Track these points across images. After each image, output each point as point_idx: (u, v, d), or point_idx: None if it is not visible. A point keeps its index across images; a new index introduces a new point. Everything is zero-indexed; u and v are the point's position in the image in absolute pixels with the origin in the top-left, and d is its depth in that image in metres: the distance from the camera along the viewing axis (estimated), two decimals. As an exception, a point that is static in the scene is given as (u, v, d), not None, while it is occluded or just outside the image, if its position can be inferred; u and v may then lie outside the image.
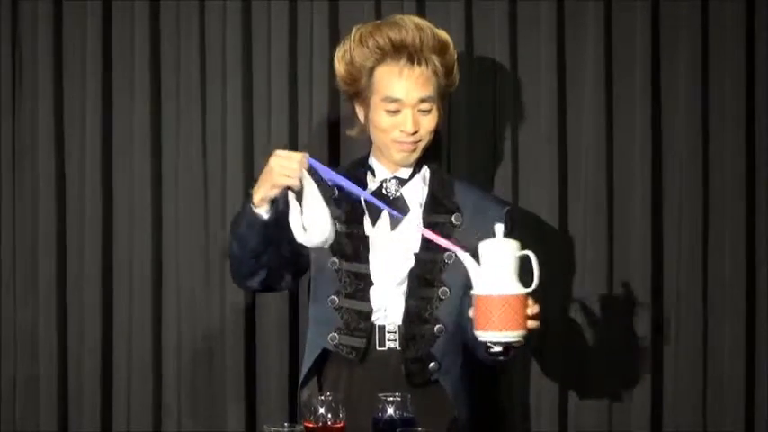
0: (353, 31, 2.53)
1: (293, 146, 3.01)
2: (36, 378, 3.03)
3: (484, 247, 2.21)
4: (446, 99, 2.58)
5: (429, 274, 2.51)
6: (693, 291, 3.01)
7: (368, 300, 2.50)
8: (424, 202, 2.54)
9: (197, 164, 3.03)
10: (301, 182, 2.30)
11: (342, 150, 2.98)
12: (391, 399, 2.18)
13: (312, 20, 3.00)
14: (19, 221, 3.06)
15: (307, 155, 2.32)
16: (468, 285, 2.33)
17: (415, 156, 2.53)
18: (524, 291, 2.20)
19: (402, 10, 2.92)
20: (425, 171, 2.58)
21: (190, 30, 3.03)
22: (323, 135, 3.00)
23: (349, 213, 2.53)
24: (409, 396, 2.21)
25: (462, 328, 2.48)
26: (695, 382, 3.01)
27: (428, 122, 2.51)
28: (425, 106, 2.49)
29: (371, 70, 2.50)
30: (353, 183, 2.41)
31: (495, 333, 2.18)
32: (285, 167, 2.31)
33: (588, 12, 2.99)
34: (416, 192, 2.55)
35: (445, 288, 2.50)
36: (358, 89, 2.53)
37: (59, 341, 3.04)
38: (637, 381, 3.00)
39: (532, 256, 2.20)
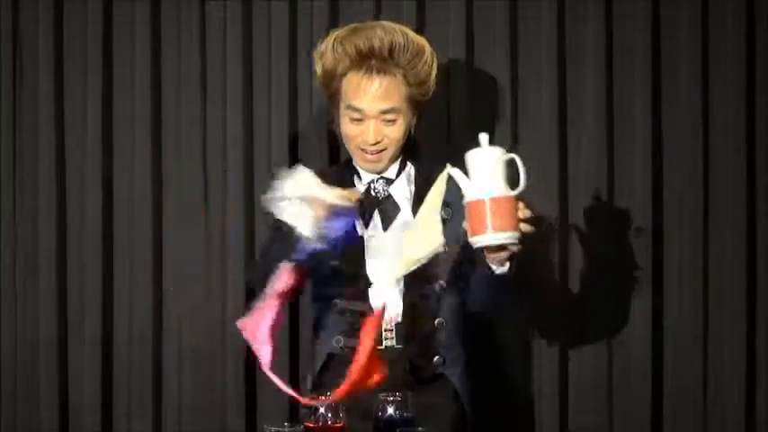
0: (330, 35, 2.53)
1: (293, 145, 3.01)
2: (36, 378, 3.04)
3: (470, 155, 2.22)
4: (421, 105, 2.56)
5: (424, 269, 2.51)
6: (693, 290, 3.01)
7: (368, 300, 2.50)
8: (412, 199, 2.55)
9: (197, 163, 3.03)
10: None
11: (342, 149, 2.97)
12: (391, 399, 2.18)
13: (312, 20, 3.01)
14: (19, 221, 3.06)
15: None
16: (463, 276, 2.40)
17: (382, 165, 2.54)
18: (513, 192, 2.20)
19: (402, 10, 2.93)
20: (410, 169, 2.59)
21: (190, 30, 3.03)
22: (323, 134, 3.00)
23: None
24: (410, 394, 2.21)
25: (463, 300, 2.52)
26: (695, 382, 3.01)
27: (393, 132, 2.51)
28: (390, 117, 2.49)
29: (342, 76, 2.51)
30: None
31: (490, 235, 2.18)
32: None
33: (588, 12, 2.99)
34: (403, 190, 2.56)
35: (441, 282, 2.51)
36: (331, 91, 2.55)
37: (59, 341, 3.04)
38: (637, 380, 3.00)
39: (517, 158, 2.21)
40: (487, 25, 3.00)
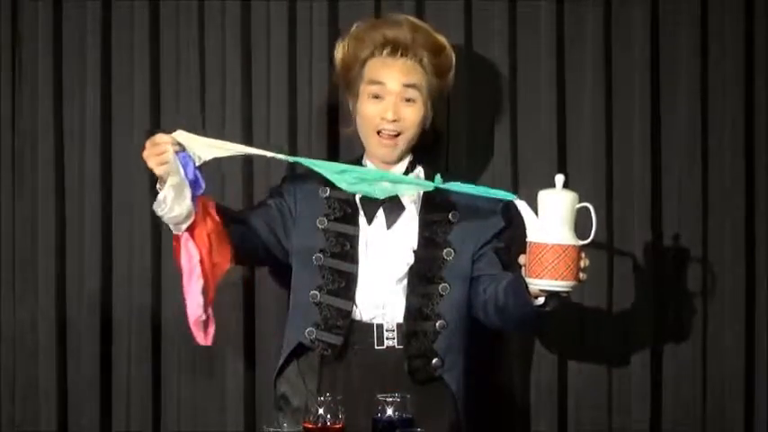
0: (354, 26, 2.62)
1: (293, 145, 3.01)
2: (36, 378, 3.04)
3: (544, 196, 2.23)
4: (439, 100, 2.59)
5: (429, 270, 2.53)
6: (693, 290, 3.01)
7: (350, 298, 2.51)
8: (419, 201, 2.56)
9: (196, 163, 3.03)
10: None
11: (341, 149, 2.98)
12: (390, 399, 2.18)
13: (312, 20, 3.01)
14: (19, 221, 3.06)
15: (176, 135, 2.33)
16: (467, 280, 2.44)
17: (397, 152, 2.55)
18: (582, 242, 2.22)
19: (402, 10, 2.92)
20: (419, 171, 2.61)
21: (190, 30, 3.03)
22: (322, 134, 3.00)
23: (341, 212, 2.54)
24: (408, 396, 2.21)
25: (478, 305, 2.53)
26: (695, 382, 3.01)
27: (411, 113, 2.53)
28: (410, 94, 2.52)
29: (364, 62, 2.57)
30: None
31: (549, 281, 2.21)
32: (156, 156, 2.31)
33: (588, 12, 2.99)
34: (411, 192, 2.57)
35: (445, 284, 2.53)
36: (350, 79, 2.60)
37: (59, 341, 3.04)
38: (637, 380, 2.99)
39: (591, 208, 2.21)
40: (487, 26, 3.00)
